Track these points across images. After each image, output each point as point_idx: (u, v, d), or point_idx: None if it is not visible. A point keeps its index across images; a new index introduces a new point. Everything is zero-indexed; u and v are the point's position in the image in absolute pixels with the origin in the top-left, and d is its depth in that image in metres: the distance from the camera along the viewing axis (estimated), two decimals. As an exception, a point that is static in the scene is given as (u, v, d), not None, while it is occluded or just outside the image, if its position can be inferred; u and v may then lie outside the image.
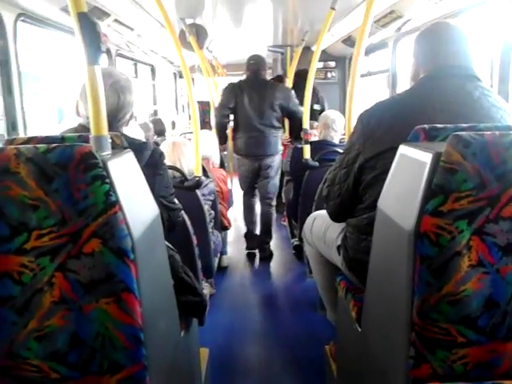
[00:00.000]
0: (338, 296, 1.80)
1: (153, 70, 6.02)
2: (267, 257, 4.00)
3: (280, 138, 3.97)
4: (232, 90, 3.78)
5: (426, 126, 1.17)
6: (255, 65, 3.80)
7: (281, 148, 3.99)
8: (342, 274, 1.77)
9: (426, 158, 1.00)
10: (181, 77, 7.93)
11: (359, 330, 1.43)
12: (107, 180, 1.00)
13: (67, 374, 1.06)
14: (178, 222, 1.79)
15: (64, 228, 1.01)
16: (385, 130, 1.43)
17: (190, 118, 8.35)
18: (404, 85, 3.79)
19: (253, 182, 3.98)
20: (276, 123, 3.81)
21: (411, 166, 1.09)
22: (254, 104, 3.71)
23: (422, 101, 1.43)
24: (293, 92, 3.88)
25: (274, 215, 4.09)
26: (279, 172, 4.01)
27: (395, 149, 1.19)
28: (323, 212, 1.97)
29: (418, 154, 1.05)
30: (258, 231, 4.09)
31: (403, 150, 1.15)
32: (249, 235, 4.08)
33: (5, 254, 1.02)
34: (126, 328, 1.03)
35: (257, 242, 4.06)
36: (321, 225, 1.97)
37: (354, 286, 1.65)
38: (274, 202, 4.03)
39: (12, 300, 1.03)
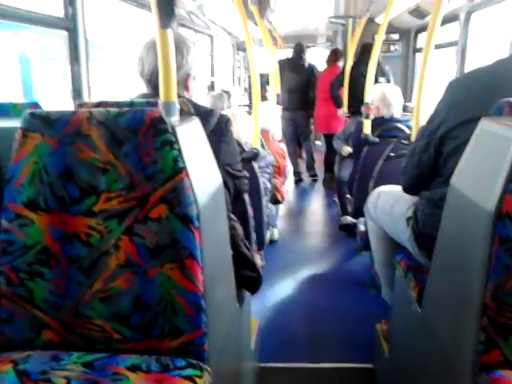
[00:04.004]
0: (397, 275, 1.76)
1: (211, 41, 6.00)
2: (313, 175, 5.89)
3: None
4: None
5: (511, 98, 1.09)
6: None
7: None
8: (402, 253, 1.72)
9: (511, 133, 0.94)
10: (238, 48, 7.88)
11: (419, 310, 1.39)
12: (176, 146, 0.99)
13: (129, 336, 1.08)
14: (244, 191, 1.75)
15: (132, 192, 1.02)
16: (473, 99, 1.34)
17: (245, 91, 8.34)
18: (473, 60, 3.58)
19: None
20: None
21: (493, 141, 1.02)
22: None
23: None
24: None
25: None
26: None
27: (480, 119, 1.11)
28: (390, 187, 1.92)
29: (503, 129, 0.98)
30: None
31: (484, 124, 1.08)
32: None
33: (74, 215, 1.04)
34: (188, 294, 1.03)
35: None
36: (387, 199, 1.92)
37: (415, 265, 1.60)
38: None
39: (79, 260, 1.06)
